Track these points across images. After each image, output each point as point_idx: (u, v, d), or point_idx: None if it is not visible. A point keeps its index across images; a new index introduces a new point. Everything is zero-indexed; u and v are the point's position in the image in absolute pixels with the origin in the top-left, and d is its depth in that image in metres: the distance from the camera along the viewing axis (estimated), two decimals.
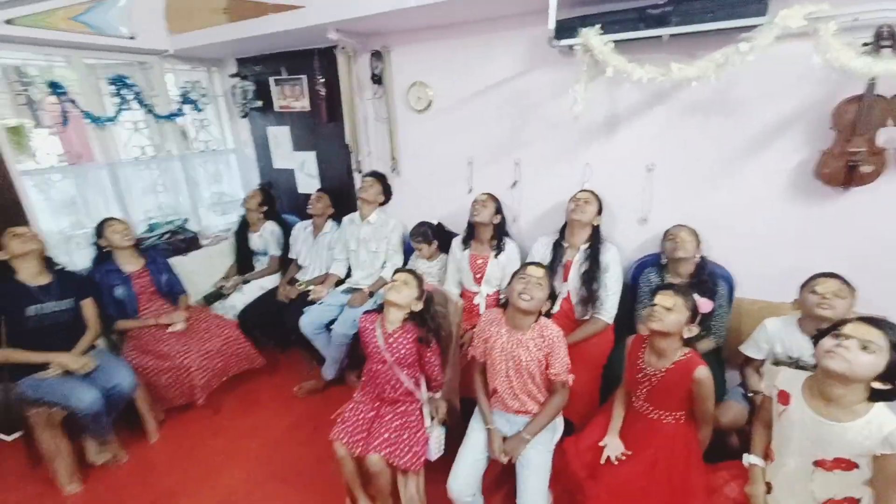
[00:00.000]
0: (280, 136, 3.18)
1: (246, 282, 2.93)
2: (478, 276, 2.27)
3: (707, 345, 1.81)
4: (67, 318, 2.01)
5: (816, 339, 1.13)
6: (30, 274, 1.92)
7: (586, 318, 1.97)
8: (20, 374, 1.87)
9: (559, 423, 1.62)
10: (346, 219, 2.77)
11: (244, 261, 3.05)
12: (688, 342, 1.40)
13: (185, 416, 2.37)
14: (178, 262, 2.75)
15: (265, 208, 2.98)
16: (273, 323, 2.71)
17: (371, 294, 2.56)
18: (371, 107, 2.70)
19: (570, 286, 1.99)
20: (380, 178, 2.68)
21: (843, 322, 1.09)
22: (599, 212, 1.99)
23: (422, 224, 2.50)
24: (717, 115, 1.85)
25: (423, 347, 1.60)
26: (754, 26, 1.48)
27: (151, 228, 2.84)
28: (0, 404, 1.81)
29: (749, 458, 1.28)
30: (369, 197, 2.60)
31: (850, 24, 1.42)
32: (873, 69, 1.37)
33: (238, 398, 2.56)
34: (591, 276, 1.91)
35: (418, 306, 1.60)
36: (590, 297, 1.92)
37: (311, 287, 2.77)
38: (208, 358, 2.30)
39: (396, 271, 1.64)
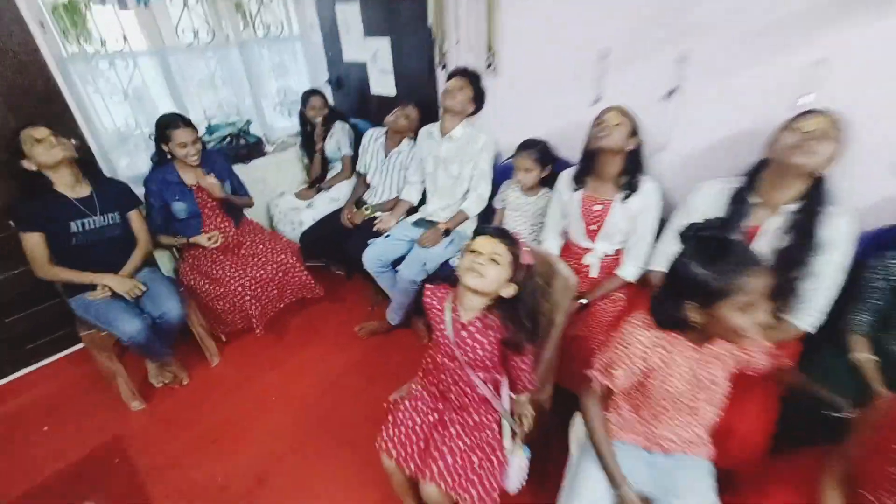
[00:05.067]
0: (350, 18, 2.54)
1: (322, 190, 2.63)
2: (592, 227, 1.62)
3: None
4: (116, 234, 1.81)
5: None
6: (65, 185, 1.67)
7: None
8: (74, 290, 1.75)
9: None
10: (422, 131, 2.18)
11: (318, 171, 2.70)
12: None
13: (248, 339, 2.23)
14: (238, 172, 2.44)
15: (326, 111, 2.52)
16: (337, 247, 2.39)
17: (447, 232, 2.06)
18: None
19: None
20: (471, 78, 1.98)
21: None
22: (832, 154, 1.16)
23: (536, 140, 1.84)
24: None
25: (511, 351, 1.10)
26: None
27: (210, 131, 2.53)
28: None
29: None
30: (456, 105, 1.95)
31: None
32: None
33: (300, 325, 2.37)
34: (796, 257, 1.18)
35: (509, 291, 1.05)
36: (784, 288, 1.21)
37: (378, 213, 2.35)
38: (262, 286, 2.05)
39: (479, 233, 1.08)
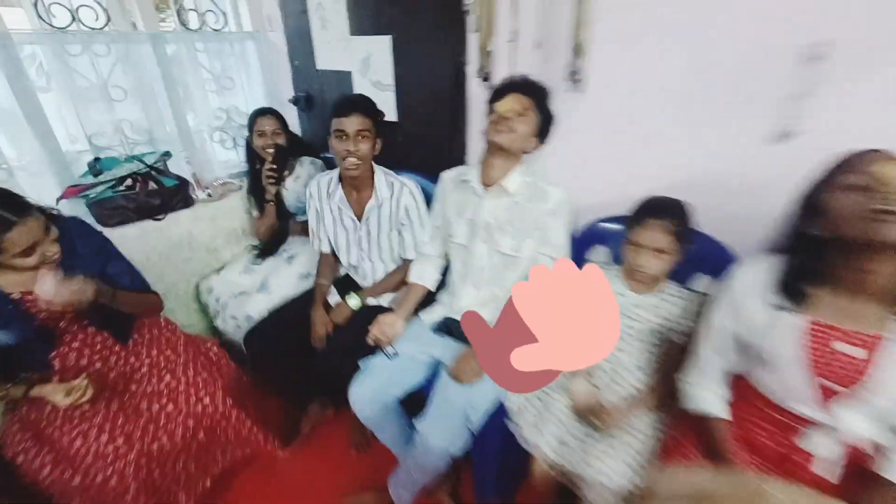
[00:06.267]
0: (328, 8, 1.71)
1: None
2: (831, 383, 0.81)
3: None
4: None
5: None
6: None
7: None
8: None
9: None
10: (448, 178, 1.35)
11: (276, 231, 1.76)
12: None
13: None
14: (144, 234, 1.51)
15: (282, 139, 1.65)
16: (304, 357, 1.46)
17: None
18: None
19: None
20: (536, 95, 1.16)
21: None
22: None
23: (672, 201, 1.03)
24: None
25: None
26: None
27: (97, 169, 1.57)
28: None
29: None
30: (513, 141, 1.13)
31: None
32: None
33: (243, 501, 1.39)
34: None
35: None
36: None
37: (371, 300, 1.47)
38: (163, 465, 1.10)
39: None
